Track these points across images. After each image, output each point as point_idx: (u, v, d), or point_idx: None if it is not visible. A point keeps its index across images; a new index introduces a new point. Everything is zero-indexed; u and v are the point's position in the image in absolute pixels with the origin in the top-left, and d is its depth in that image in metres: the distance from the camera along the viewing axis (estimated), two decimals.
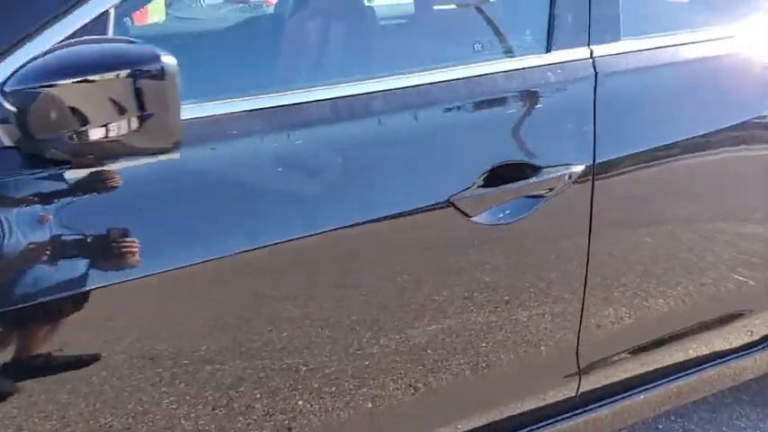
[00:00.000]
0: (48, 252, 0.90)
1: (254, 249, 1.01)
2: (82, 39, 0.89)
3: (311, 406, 1.14)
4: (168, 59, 0.83)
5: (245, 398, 1.07)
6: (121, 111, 0.83)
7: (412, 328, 1.19)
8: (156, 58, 0.82)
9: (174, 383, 1.01)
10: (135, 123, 0.84)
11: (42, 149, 0.87)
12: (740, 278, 1.58)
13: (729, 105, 1.50)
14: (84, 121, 0.83)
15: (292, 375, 1.10)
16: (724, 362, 1.63)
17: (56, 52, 0.85)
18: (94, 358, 0.95)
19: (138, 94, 0.83)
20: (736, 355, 1.65)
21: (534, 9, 1.35)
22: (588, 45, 1.32)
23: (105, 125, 0.84)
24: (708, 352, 1.60)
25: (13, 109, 0.83)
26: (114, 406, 0.98)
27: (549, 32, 1.30)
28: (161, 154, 0.91)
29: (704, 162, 1.46)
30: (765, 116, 1.54)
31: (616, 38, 1.35)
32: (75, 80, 0.81)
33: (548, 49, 1.29)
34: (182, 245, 0.98)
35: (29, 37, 0.90)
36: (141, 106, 0.83)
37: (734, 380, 1.71)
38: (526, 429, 1.39)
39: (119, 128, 0.84)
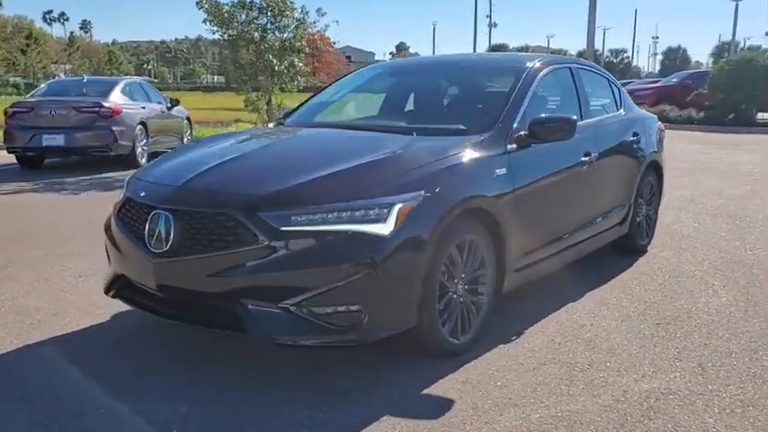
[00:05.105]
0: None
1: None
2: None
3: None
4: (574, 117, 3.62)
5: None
6: (555, 131, 3.55)
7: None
8: (572, 118, 3.57)
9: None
10: (560, 133, 3.55)
11: (534, 140, 3.54)
12: None
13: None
14: (544, 134, 3.54)
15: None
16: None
17: (534, 118, 3.56)
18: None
19: (561, 130, 3.56)
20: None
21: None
22: (582, 119, 4.35)
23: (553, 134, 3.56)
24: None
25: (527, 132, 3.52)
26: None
27: (580, 114, 4.30)
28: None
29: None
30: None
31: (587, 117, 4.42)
32: (546, 124, 3.53)
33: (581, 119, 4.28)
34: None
35: (517, 114, 3.60)
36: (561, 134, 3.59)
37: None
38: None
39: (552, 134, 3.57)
